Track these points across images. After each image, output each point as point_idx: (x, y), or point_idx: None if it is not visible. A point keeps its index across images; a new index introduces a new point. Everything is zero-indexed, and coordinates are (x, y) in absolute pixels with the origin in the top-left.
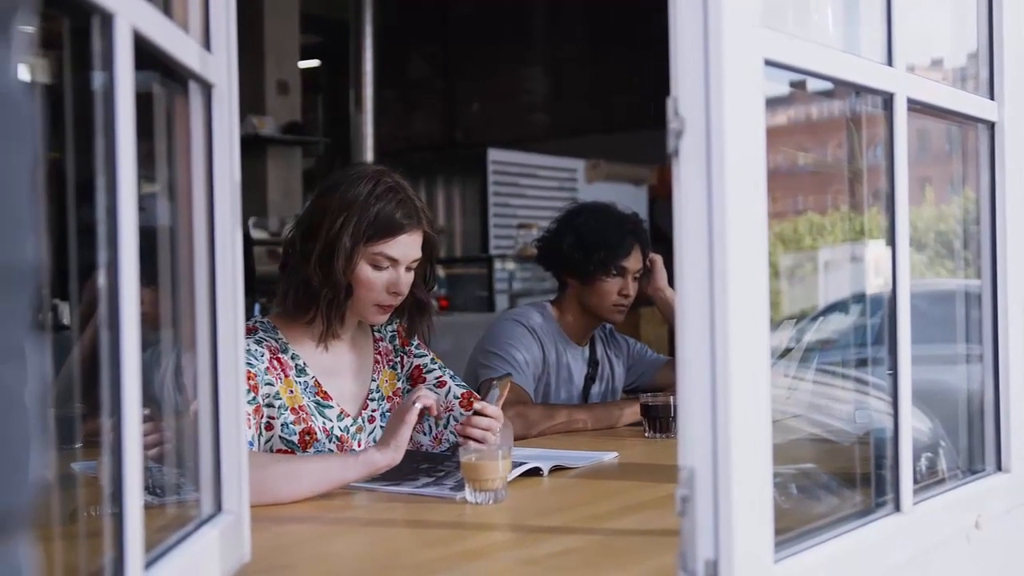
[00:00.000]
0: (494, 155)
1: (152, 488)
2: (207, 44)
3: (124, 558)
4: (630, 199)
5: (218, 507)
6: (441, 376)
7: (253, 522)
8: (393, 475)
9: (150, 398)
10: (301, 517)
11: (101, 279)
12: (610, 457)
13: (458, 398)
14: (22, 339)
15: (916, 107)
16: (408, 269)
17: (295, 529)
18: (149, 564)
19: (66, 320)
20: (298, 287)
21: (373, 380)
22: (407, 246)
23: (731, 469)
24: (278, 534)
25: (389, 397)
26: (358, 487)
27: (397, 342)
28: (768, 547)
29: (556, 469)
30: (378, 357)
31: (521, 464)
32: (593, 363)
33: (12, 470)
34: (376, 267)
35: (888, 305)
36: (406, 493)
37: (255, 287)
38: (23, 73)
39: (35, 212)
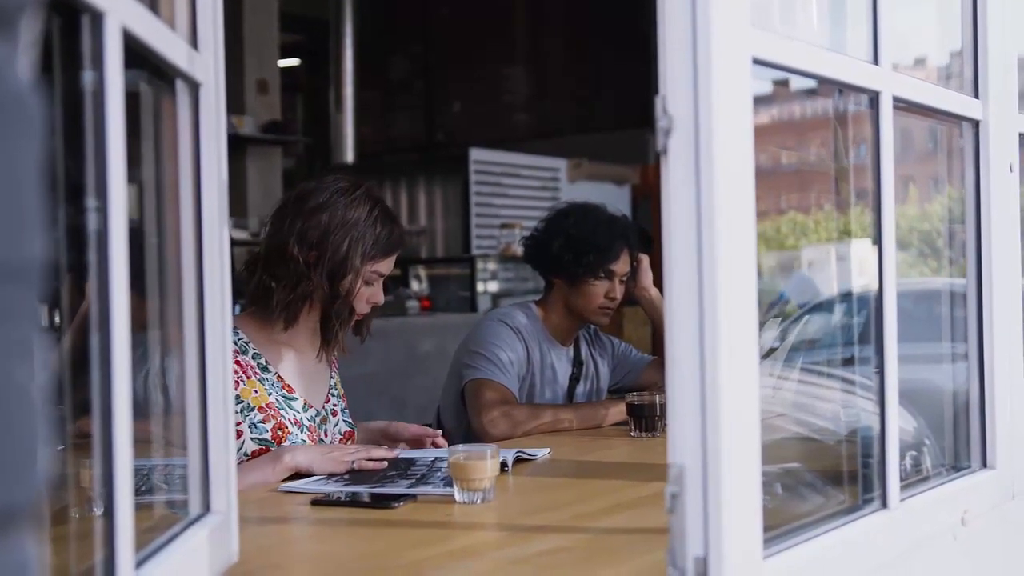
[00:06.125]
0: (476, 155)
1: (139, 488)
2: (194, 43)
3: (115, 558)
4: (613, 199)
5: (206, 507)
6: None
7: (241, 523)
8: (370, 478)
9: (135, 399)
10: (289, 518)
11: (90, 280)
12: (543, 453)
13: (341, 434)
14: (31, 335)
15: (901, 105)
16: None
17: (283, 529)
18: (139, 564)
19: (43, 322)
20: (302, 299)
21: (332, 377)
22: (393, 262)
23: (721, 466)
24: (266, 534)
25: (343, 396)
26: (345, 490)
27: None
28: (757, 544)
29: (519, 460)
30: (333, 359)
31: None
32: (578, 363)
33: (21, 466)
34: (367, 283)
35: (874, 303)
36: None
37: (235, 288)
38: (28, 72)
39: (42, 210)
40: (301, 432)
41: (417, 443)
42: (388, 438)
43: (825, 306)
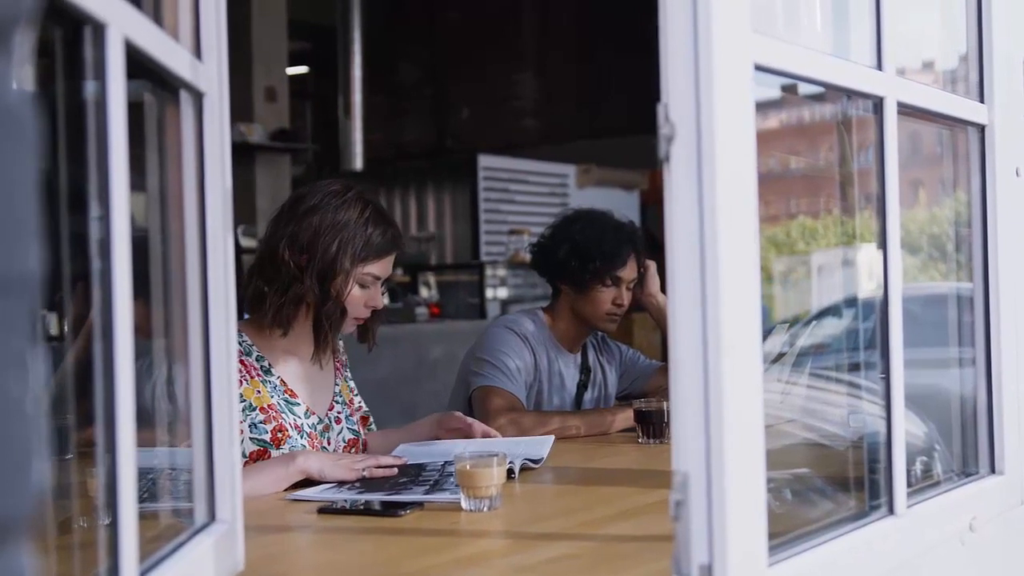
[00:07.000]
0: (484, 161)
1: (143, 496)
2: (198, 53)
3: (119, 567)
4: (621, 204)
5: (212, 516)
6: (361, 403)
7: (246, 532)
8: (382, 486)
9: (142, 409)
10: (294, 526)
11: (94, 289)
12: (548, 442)
13: (345, 442)
14: (24, 347)
15: (906, 110)
16: (383, 285)
17: (288, 538)
18: (143, 574)
19: (53, 331)
20: (294, 302)
21: (336, 384)
22: (390, 265)
23: (725, 473)
24: (271, 543)
25: (349, 403)
26: (358, 499)
27: (344, 358)
28: (762, 551)
29: (525, 468)
30: (338, 365)
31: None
32: (585, 370)
33: (15, 477)
34: (362, 286)
35: (880, 308)
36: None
37: (241, 295)
38: (24, 84)
39: (38, 222)
40: (301, 437)
41: (465, 434)
42: (447, 428)
43: (834, 311)
